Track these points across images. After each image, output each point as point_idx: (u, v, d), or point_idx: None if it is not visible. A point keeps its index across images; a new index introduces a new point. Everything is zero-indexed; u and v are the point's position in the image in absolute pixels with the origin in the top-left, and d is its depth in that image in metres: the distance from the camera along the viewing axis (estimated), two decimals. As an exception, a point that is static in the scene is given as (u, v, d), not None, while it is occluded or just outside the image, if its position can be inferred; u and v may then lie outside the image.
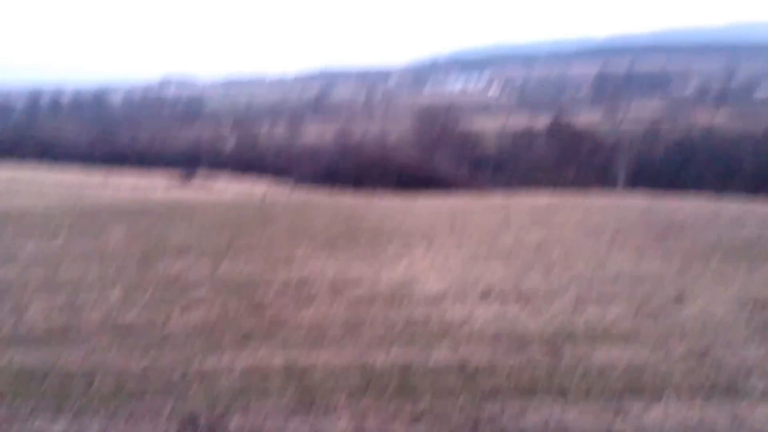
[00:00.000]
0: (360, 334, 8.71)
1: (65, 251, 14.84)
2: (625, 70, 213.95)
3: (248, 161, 79.53)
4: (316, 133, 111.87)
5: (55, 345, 8.43)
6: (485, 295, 10.47)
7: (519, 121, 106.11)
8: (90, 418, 6.34)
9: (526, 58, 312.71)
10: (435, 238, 15.97)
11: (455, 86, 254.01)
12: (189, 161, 73.29)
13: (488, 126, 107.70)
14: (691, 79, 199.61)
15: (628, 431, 6.01)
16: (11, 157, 71.67)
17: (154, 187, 42.65)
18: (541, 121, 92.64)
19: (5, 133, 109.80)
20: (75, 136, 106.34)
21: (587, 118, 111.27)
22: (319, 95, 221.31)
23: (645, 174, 59.20)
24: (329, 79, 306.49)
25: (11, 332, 8.91)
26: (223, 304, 10.19)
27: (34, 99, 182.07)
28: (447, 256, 13.75)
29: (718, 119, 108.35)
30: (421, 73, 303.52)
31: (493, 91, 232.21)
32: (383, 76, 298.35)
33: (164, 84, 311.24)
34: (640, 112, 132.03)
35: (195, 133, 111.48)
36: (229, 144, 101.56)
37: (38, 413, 6.44)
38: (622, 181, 60.78)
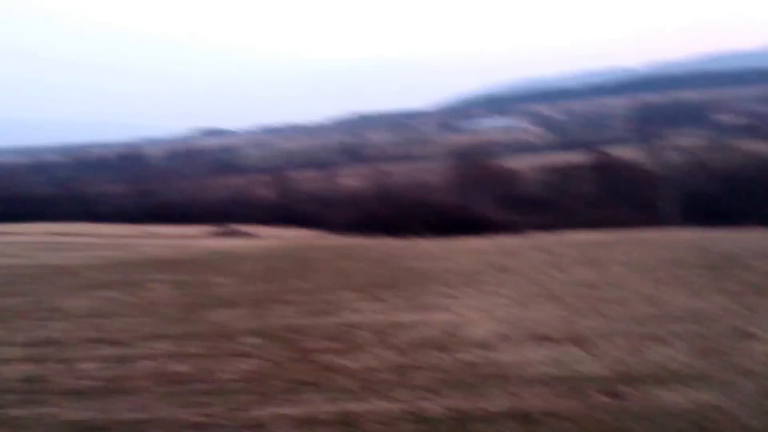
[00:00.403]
0: (412, 381, 8.61)
1: (114, 304, 15.05)
2: (665, 100, 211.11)
3: (286, 210, 79.90)
4: (352, 179, 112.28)
5: (107, 397, 8.52)
6: (538, 338, 10.31)
7: (556, 158, 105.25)
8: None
9: (560, 93, 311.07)
10: (481, 280, 15.88)
11: (488, 125, 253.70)
12: (227, 211, 73.92)
13: (525, 164, 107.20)
14: (734, 107, 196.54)
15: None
16: (55, 214, 72.94)
17: (195, 238, 43.07)
18: (579, 157, 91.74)
19: (49, 190, 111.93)
20: (116, 191, 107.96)
21: (628, 151, 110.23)
22: (353, 141, 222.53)
23: (692, 207, 58.23)
24: (362, 124, 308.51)
25: (64, 385, 9.01)
26: (271, 352, 10.19)
27: (73, 157, 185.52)
28: (495, 298, 13.64)
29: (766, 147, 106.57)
30: (453, 114, 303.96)
31: (527, 128, 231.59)
32: (415, 118, 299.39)
33: (201, 136, 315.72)
34: (683, 142, 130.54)
35: (232, 184, 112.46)
36: (266, 193, 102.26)
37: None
38: (669, 216, 59.87)
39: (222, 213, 72.72)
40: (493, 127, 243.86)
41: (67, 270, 21.34)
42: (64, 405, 8.25)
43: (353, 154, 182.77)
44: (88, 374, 9.45)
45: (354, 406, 7.76)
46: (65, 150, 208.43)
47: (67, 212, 75.13)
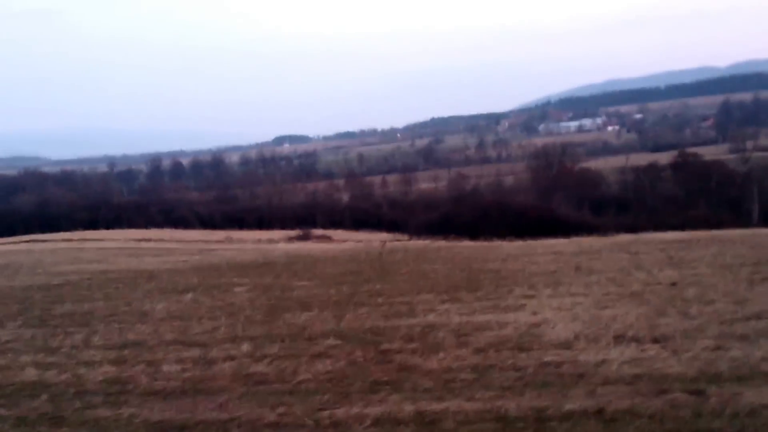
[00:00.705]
0: (490, 380, 8.57)
1: (195, 306, 15.35)
2: (752, 99, 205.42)
3: (363, 214, 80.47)
4: (430, 182, 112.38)
5: (190, 397, 8.67)
6: (620, 337, 10.14)
7: (640, 158, 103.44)
8: (227, 468, 6.45)
9: (642, 93, 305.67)
10: (561, 280, 15.70)
11: (570, 126, 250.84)
12: (305, 216, 74.82)
13: (608, 165, 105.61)
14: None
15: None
16: (138, 221, 74.96)
17: (275, 242, 43.66)
18: (664, 158, 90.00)
19: (131, 198, 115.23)
20: (196, 198, 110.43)
21: (713, 151, 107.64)
22: (430, 144, 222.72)
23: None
24: (440, 127, 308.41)
25: (148, 387, 9.22)
26: (350, 353, 10.26)
27: (155, 165, 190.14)
28: (575, 298, 13.47)
29: None
30: (534, 115, 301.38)
31: (610, 129, 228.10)
32: (494, 120, 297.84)
33: (278, 143, 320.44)
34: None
35: (310, 189, 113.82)
36: (344, 197, 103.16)
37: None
38: (756, 216, 58.17)
39: (301, 217, 73.61)
40: (575, 128, 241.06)
41: (149, 274, 21.85)
42: (147, 405, 8.44)
43: (431, 158, 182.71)
44: (171, 375, 9.64)
45: (433, 406, 7.72)
46: (148, 158, 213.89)
47: (149, 219, 77.06)
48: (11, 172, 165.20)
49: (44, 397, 9.04)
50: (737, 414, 6.91)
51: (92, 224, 71.37)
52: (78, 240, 46.78)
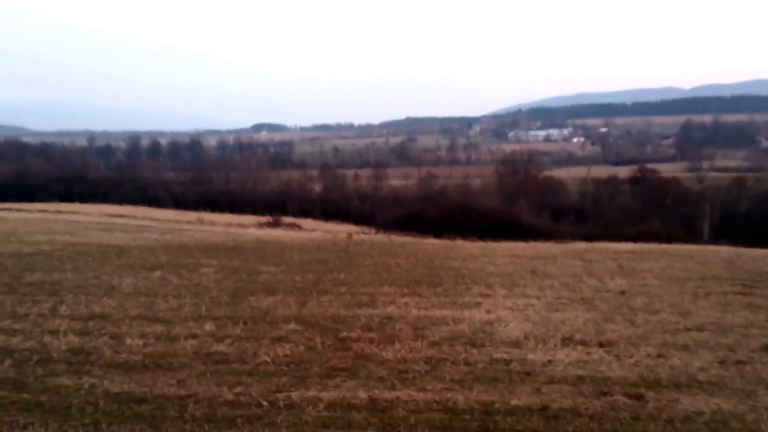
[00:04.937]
0: (442, 373, 8.66)
1: (162, 284, 15.28)
2: (712, 121, 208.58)
3: (334, 205, 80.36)
4: (401, 179, 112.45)
5: (151, 372, 8.66)
6: (567, 340, 10.30)
7: (601, 171, 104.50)
8: (183, 442, 6.45)
9: (609, 108, 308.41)
10: (517, 282, 15.84)
11: (538, 135, 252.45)
12: (277, 204, 74.54)
13: (570, 175, 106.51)
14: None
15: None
16: (113, 196, 74.24)
17: (246, 227, 43.48)
18: (624, 171, 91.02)
19: (107, 174, 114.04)
20: (171, 178, 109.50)
21: (672, 168, 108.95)
22: (404, 142, 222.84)
23: (730, 226, 57.38)
24: (415, 126, 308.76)
25: (111, 359, 9.19)
26: (310, 338, 10.30)
27: (134, 143, 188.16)
28: (529, 300, 13.61)
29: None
30: (505, 122, 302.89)
31: (576, 141, 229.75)
32: (467, 124, 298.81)
33: (256, 130, 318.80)
34: (726, 163, 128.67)
35: (284, 177, 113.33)
36: (316, 188, 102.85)
37: (135, 435, 6.59)
38: (707, 233, 59.02)
39: (272, 204, 73.32)
40: (543, 137, 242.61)
41: (119, 250, 21.70)
42: (108, 377, 8.43)
43: (403, 156, 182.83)
44: (133, 349, 9.62)
45: (386, 394, 7.79)
46: (127, 136, 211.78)
47: (124, 195, 76.36)
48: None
49: (8, 362, 8.98)
50: (673, 420, 7.08)
51: (68, 197, 70.54)
52: (53, 211, 46.20)
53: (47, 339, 10.12)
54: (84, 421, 6.92)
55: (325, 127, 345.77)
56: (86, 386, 8.05)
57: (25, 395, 7.73)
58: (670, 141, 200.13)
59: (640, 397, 7.74)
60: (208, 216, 55.24)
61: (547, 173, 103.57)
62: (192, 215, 55.00)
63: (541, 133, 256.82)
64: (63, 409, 7.28)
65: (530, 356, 9.42)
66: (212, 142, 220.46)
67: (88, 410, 7.24)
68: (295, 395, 7.78)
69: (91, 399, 7.61)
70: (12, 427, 6.75)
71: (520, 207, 71.13)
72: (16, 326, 11.00)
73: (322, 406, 7.43)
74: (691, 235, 52.50)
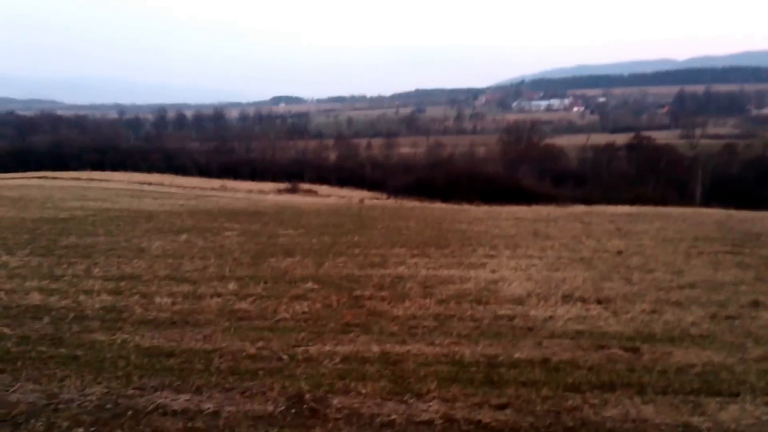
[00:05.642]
0: (450, 328, 8.67)
1: (188, 246, 15.33)
2: (704, 91, 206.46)
3: (348, 172, 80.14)
4: (410, 148, 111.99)
5: (179, 328, 8.70)
6: (567, 297, 10.28)
7: (600, 138, 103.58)
8: (209, 393, 6.49)
9: (607, 79, 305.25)
10: (520, 243, 15.81)
11: (540, 105, 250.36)
12: (295, 172, 74.44)
13: (570, 142, 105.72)
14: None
15: (705, 427, 5.77)
16: (142, 165, 74.35)
17: (265, 193, 43.50)
18: (621, 139, 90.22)
19: (137, 144, 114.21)
20: (196, 148, 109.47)
21: (666, 136, 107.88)
22: (413, 113, 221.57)
23: (722, 190, 56.89)
24: (423, 97, 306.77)
25: (141, 316, 9.23)
26: (326, 297, 10.32)
27: (161, 115, 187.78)
28: (531, 260, 13.58)
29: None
30: (509, 93, 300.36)
31: (576, 110, 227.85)
32: (473, 95, 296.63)
33: (275, 102, 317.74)
34: (717, 130, 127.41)
35: (301, 147, 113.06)
36: (332, 156, 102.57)
37: (164, 388, 6.63)
38: (699, 196, 58.61)
39: (290, 172, 73.24)
40: (545, 107, 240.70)
41: (148, 215, 21.76)
42: (139, 332, 8.46)
43: (412, 125, 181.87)
44: (162, 307, 9.66)
45: (397, 348, 7.81)
46: (155, 109, 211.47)
47: (152, 164, 76.42)
48: (29, 113, 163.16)
49: (46, 319, 9.03)
50: (666, 371, 7.06)
51: (99, 166, 70.70)
52: (86, 179, 46.37)
53: (82, 298, 10.18)
54: (117, 374, 6.95)
55: (339, 99, 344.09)
56: (119, 341, 8.09)
57: (62, 350, 7.78)
58: (664, 110, 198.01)
59: (635, 350, 7.73)
60: (230, 183, 55.29)
61: (549, 141, 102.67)
62: (215, 182, 55.05)
63: (543, 103, 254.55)
64: (97, 363, 7.32)
65: (532, 312, 9.42)
66: (234, 114, 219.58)
67: (121, 364, 7.28)
68: (313, 349, 7.80)
69: (123, 353, 7.65)
70: (50, 380, 6.79)
71: (522, 173, 70.76)
72: (53, 286, 11.06)
73: (337, 359, 7.44)
74: (684, 199, 52.17)
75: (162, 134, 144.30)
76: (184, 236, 16.91)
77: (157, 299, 10.10)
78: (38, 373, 7.01)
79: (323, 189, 58.26)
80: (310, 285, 11.15)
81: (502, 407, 6.14)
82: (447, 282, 11.45)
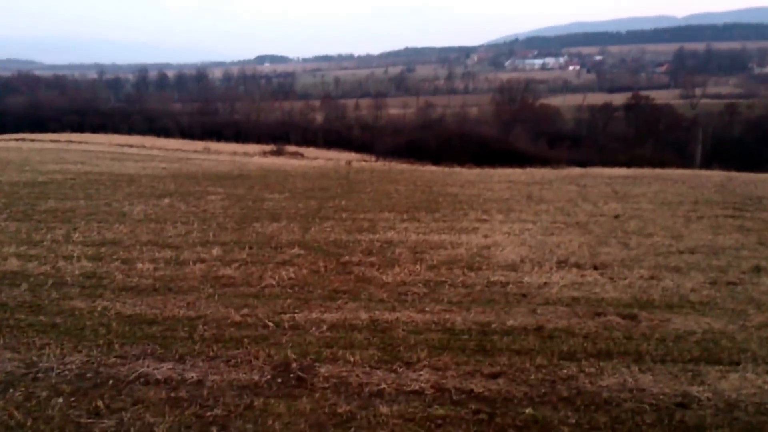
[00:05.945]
0: (441, 295, 8.65)
1: (171, 211, 15.22)
2: (705, 49, 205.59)
3: (335, 134, 79.74)
4: (399, 109, 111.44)
5: (161, 295, 8.64)
6: (562, 263, 10.27)
7: (596, 98, 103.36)
8: (192, 362, 6.45)
9: (604, 37, 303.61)
10: (513, 207, 15.79)
11: (534, 64, 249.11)
12: (281, 133, 73.97)
13: (566, 102, 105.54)
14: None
15: (705, 397, 5.75)
16: (122, 127, 73.65)
17: (250, 156, 43.21)
18: (618, 99, 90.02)
19: (117, 105, 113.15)
20: (178, 109, 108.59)
21: (665, 95, 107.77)
22: (403, 72, 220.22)
23: (722, 151, 56.88)
24: (413, 56, 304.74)
25: (123, 283, 9.17)
26: (313, 262, 10.28)
27: (142, 76, 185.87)
28: (525, 225, 13.56)
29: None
30: (502, 51, 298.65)
31: (571, 69, 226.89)
32: (465, 54, 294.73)
33: (260, 61, 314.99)
34: (718, 90, 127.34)
35: (287, 108, 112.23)
36: (318, 118, 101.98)
37: (146, 356, 6.58)
38: (699, 158, 58.62)
39: (276, 134, 72.77)
40: (539, 66, 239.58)
41: (129, 178, 21.57)
42: (120, 300, 8.41)
43: (402, 85, 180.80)
44: (144, 273, 9.60)
45: (386, 315, 7.78)
46: (135, 69, 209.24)
47: (133, 126, 75.77)
48: (6, 73, 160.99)
49: (24, 286, 8.96)
50: (665, 339, 7.07)
51: (79, 127, 69.90)
52: (65, 141, 45.79)
53: (61, 264, 10.10)
54: (97, 342, 6.91)
55: (326, 58, 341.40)
56: (99, 309, 8.04)
57: (41, 317, 7.72)
58: (663, 68, 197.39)
59: (633, 317, 7.74)
60: (214, 145, 54.77)
61: (543, 101, 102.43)
62: (199, 145, 54.54)
63: (538, 62, 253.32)
64: (77, 331, 7.28)
65: (526, 279, 9.41)
66: (217, 74, 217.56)
67: (101, 331, 7.23)
68: (299, 316, 7.77)
69: (104, 321, 7.61)
70: (29, 348, 6.74)
71: (516, 134, 70.62)
72: (32, 252, 10.96)
73: (325, 326, 7.42)
74: (684, 161, 52.24)
75: (143, 95, 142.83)
76: (166, 200, 16.78)
77: (139, 265, 10.03)
78: (16, 341, 6.97)
79: (310, 151, 57.88)
80: (296, 250, 11.09)
81: (494, 376, 6.13)
82: (438, 247, 11.42)
